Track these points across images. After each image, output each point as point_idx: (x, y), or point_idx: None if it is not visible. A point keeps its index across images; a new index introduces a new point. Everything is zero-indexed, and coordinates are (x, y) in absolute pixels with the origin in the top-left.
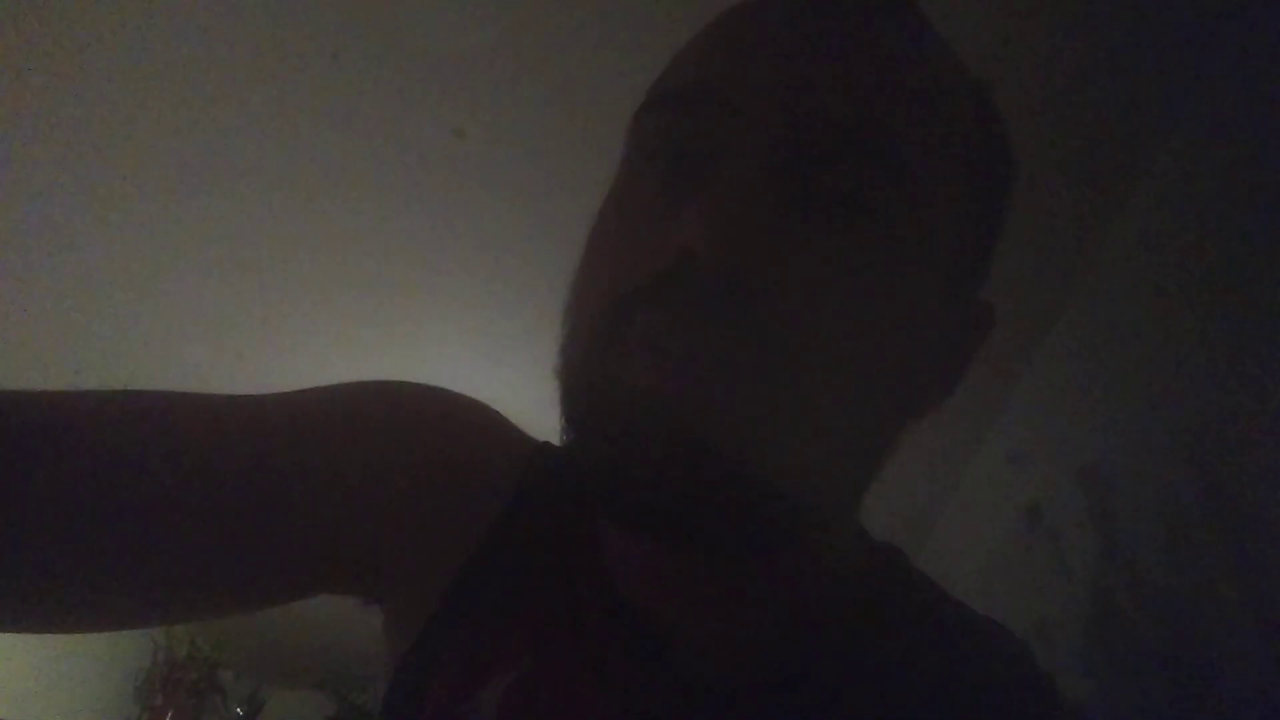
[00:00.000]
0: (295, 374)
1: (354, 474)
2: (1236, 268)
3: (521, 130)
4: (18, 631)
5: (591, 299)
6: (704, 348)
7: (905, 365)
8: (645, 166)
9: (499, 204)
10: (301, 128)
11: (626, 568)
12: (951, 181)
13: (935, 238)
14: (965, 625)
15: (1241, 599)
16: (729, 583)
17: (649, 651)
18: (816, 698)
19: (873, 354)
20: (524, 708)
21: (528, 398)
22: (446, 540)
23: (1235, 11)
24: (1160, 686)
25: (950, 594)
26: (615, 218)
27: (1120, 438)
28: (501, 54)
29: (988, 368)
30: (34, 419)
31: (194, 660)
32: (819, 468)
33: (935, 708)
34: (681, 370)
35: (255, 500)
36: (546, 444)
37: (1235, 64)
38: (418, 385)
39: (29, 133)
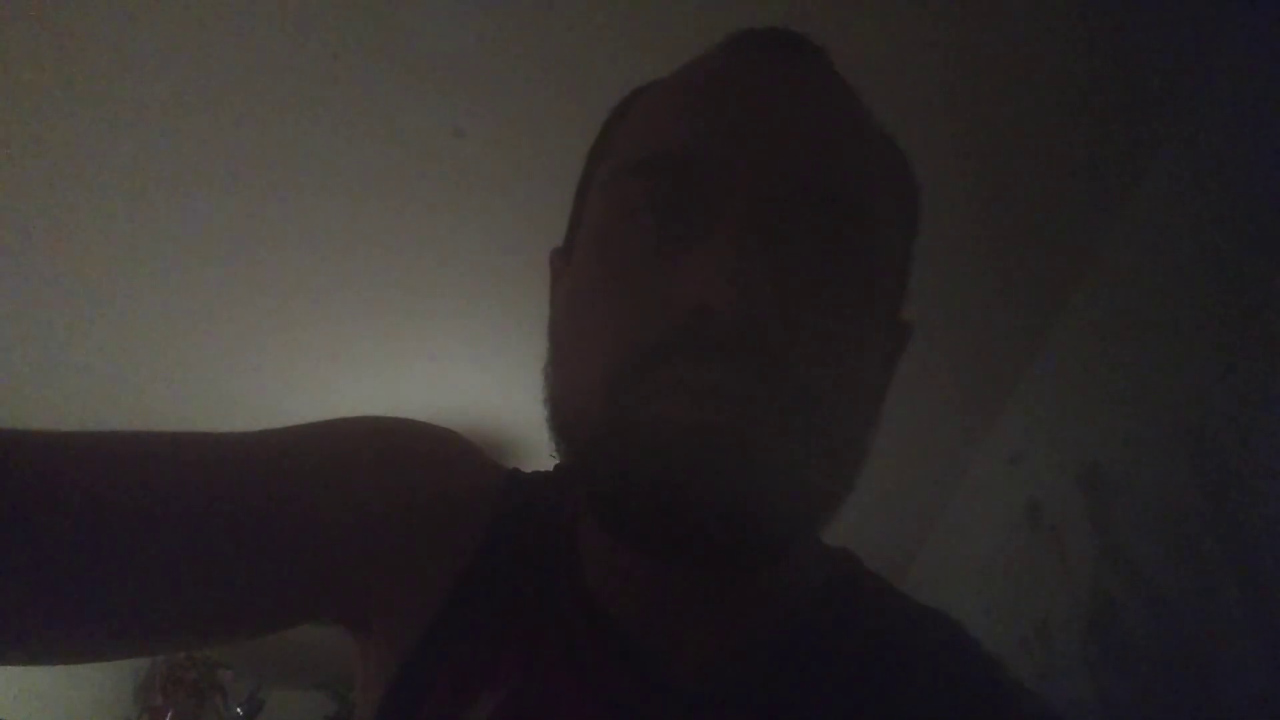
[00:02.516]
0: (292, 372)
1: (337, 508)
2: (1236, 268)
3: (521, 130)
4: (13, 664)
5: (598, 351)
6: (733, 389)
7: (872, 387)
8: (634, 226)
9: (499, 204)
10: (301, 128)
11: (612, 584)
12: (892, 220)
13: (887, 270)
14: (919, 620)
15: (1241, 599)
16: (713, 596)
17: (635, 664)
18: (793, 700)
19: (858, 379)
20: None
21: (526, 396)
22: (428, 570)
23: (1235, 11)
24: (1160, 686)
25: (896, 589)
26: (608, 273)
27: (1120, 438)
28: (501, 54)
29: (988, 368)
30: (34, 458)
31: (194, 660)
32: (824, 490)
33: (900, 698)
34: (707, 411)
35: (243, 536)
36: (515, 470)
37: (1235, 64)
38: (392, 420)
39: (27, 132)
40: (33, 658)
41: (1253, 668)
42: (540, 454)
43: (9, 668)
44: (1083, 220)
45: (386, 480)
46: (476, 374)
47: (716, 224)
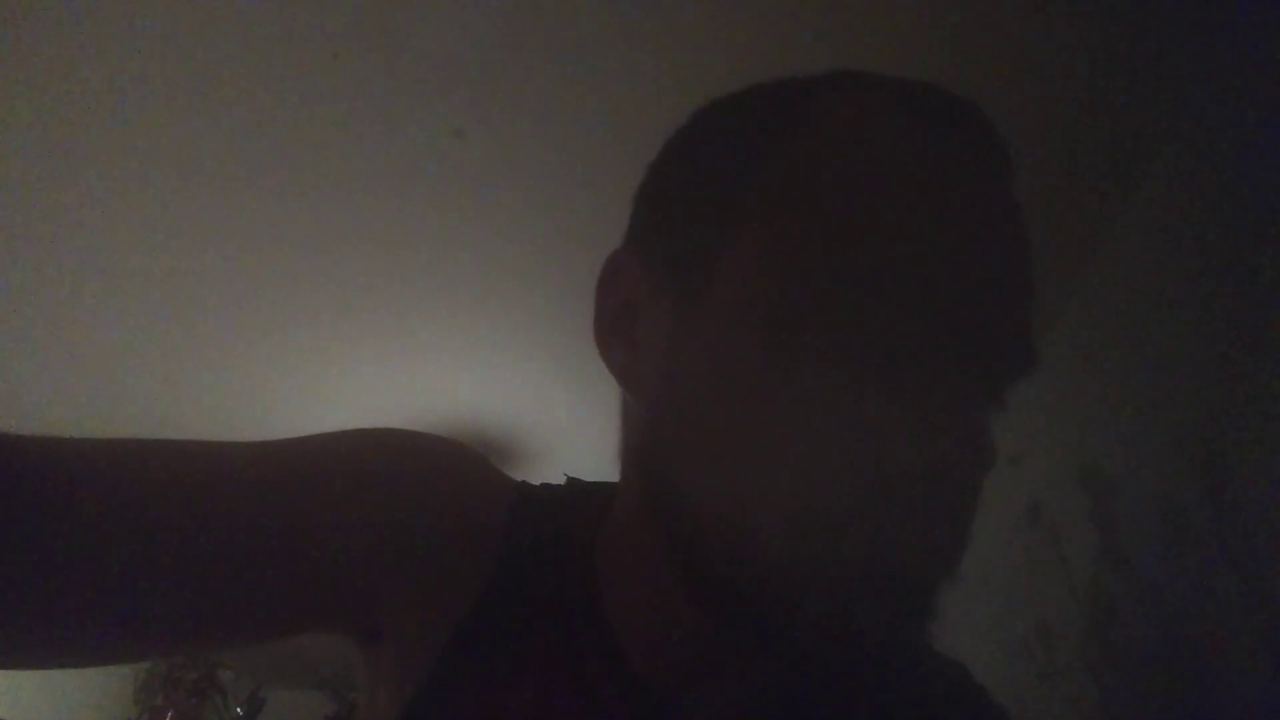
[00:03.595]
0: (290, 372)
1: (345, 521)
2: (1236, 268)
3: (521, 130)
4: (20, 669)
5: (795, 467)
6: (932, 547)
7: None
8: (848, 334)
9: (499, 204)
10: (301, 128)
11: (632, 621)
12: None
13: None
14: (933, 669)
15: (1241, 599)
16: (735, 643)
17: (650, 703)
18: None
19: None
20: None
21: (526, 398)
22: (440, 589)
23: (1235, 11)
24: (1160, 686)
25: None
26: (812, 382)
27: (1120, 438)
28: (501, 54)
29: None
30: (44, 464)
31: (194, 661)
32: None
33: None
34: (916, 566)
35: (250, 545)
36: (525, 485)
37: (1235, 64)
38: (401, 433)
39: (26, 132)
40: (36, 663)
41: (1253, 668)
42: (540, 456)
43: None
44: (1083, 220)
45: (395, 494)
46: (476, 374)
47: (949, 369)
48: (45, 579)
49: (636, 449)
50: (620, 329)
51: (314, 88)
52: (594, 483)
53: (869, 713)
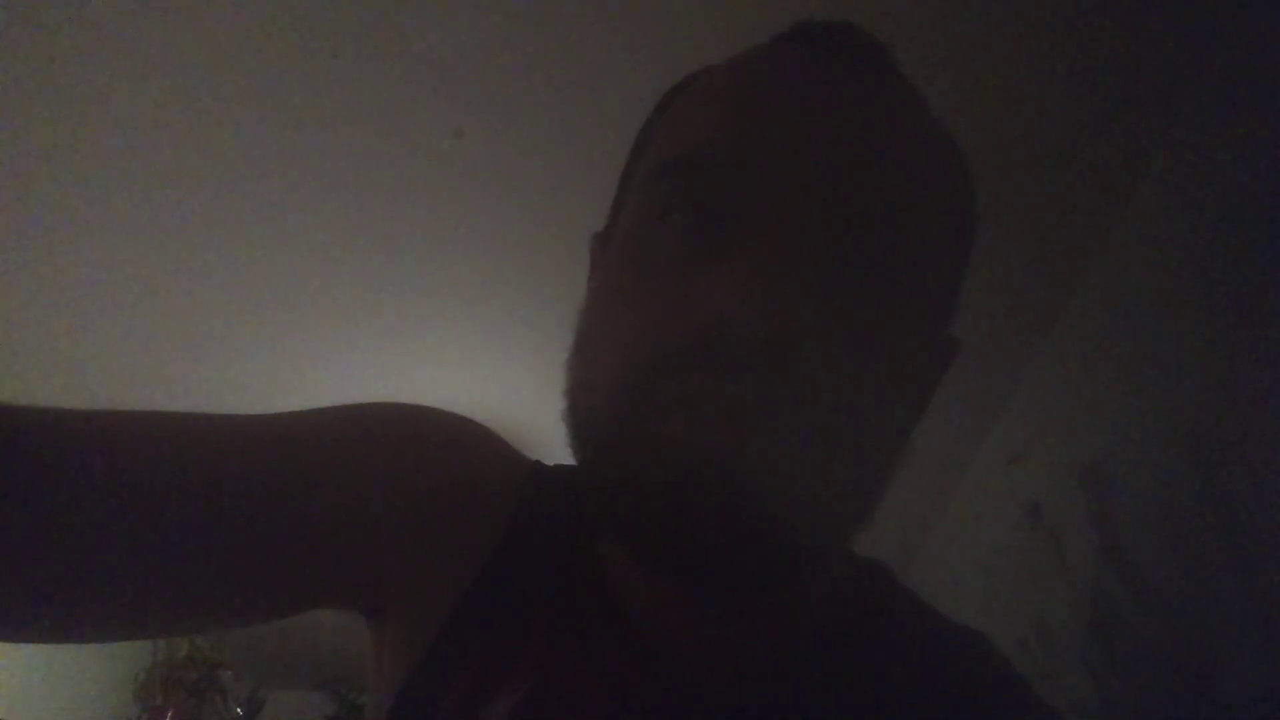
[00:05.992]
0: (292, 373)
1: (352, 491)
2: (1236, 268)
3: (521, 130)
4: (20, 641)
5: (616, 357)
6: (740, 409)
7: (903, 407)
8: (665, 228)
9: (499, 204)
10: (301, 128)
11: (635, 587)
12: (939, 237)
13: (926, 288)
14: (946, 637)
15: (1241, 599)
16: (733, 609)
17: (655, 668)
18: (812, 711)
19: (884, 402)
20: None
21: (526, 397)
22: (446, 559)
23: (1235, 11)
24: (1160, 686)
25: (930, 606)
26: (634, 277)
27: (1120, 438)
28: (501, 54)
29: (988, 368)
30: (46, 435)
31: (194, 660)
32: (841, 512)
33: (920, 712)
34: (720, 428)
35: (258, 518)
36: (539, 463)
37: (1235, 64)
38: (414, 406)
39: (27, 132)
40: (44, 636)
41: (1253, 668)
42: (543, 456)
43: (8, 668)
44: (1083, 220)
45: (405, 465)
46: (476, 374)
47: (750, 234)
48: (40, 551)
49: None
50: None
51: (314, 88)
52: None
53: (883, 678)
